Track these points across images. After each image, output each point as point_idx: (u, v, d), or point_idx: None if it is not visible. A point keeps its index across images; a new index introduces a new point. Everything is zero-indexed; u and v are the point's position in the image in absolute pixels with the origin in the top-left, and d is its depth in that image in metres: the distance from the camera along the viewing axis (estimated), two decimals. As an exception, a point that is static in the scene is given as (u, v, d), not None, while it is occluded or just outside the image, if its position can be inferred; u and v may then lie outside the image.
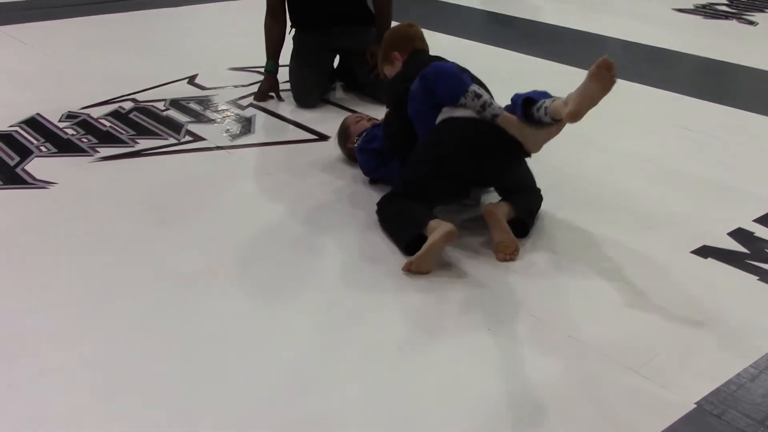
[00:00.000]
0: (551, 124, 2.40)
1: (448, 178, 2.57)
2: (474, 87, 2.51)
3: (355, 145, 3.04)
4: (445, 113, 2.57)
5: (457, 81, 2.52)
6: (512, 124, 2.46)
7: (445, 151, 2.55)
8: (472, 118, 2.51)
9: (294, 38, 3.98)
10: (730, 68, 4.79)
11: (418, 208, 2.52)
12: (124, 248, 2.51)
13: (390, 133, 2.85)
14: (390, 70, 3.01)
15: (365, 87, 3.94)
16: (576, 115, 2.24)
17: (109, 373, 1.91)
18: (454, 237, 2.37)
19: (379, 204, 2.66)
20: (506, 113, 2.48)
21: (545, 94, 2.44)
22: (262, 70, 3.96)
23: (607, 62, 2.15)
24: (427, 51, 3.01)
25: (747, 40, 5.52)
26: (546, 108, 2.36)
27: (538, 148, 2.51)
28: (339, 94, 4.02)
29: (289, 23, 3.93)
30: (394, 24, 3.10)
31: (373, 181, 2.98)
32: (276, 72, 3.92)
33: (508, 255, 2.46)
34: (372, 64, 3.71)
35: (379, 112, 3.28)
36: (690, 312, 2.20)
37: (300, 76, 3.88)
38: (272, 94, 3.91)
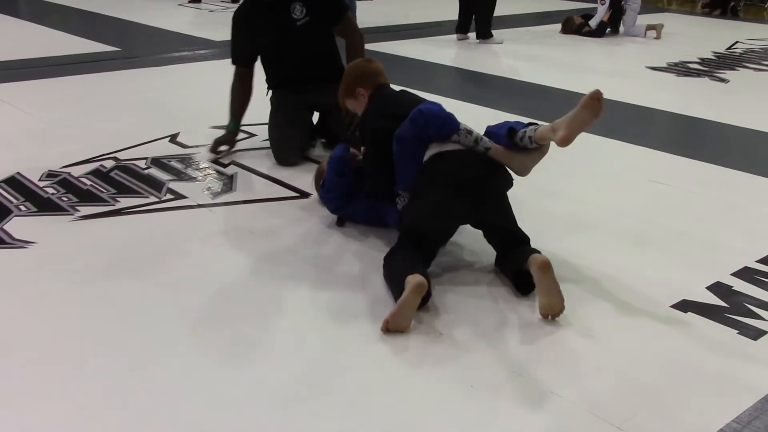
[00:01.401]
0: (537, 149, 2.64)
1: (444, 214, 2.64)
2: (464, 124, 2.66)
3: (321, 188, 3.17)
4: (434, 149, 2.68)
5: (448, 121, 2.68)
6: (502, 154, 2.65)
7: (439, 183, 2.64)
8: (459, 149, 2.65)
9: (271, 99, 4.04)
10: (703, 124, 4.88)
11: (406, 261, 2.53)
12: (104, 307, 2.48)
13: (372, 173, 2.94)
14: (354, 105, 3.08)
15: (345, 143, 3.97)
16: (568, 140, 2.49)
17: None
18: (423, 289, 2.35)
19: (384, 260, 2.67)
20: (495, 145, 2.66)
21: (521, 124, 2.70)
22: (240, 127, 4.02)
23: (598, 93, 2.44)
24: (389, 85, 3.08)
25: (719, 97, 5.65)
26: (530, 136, 2.59)
27: (527, 172, 2.72)
28: (319, 150, 4.05)
29: (257, 84, 4.00)
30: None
31: (341, 221, 3.10)
32: (236, 133, 3.99)
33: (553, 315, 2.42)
34: (349, 119, 3.76)
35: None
36: (671, 367, 2.21)
37: (280, 134, 3.92)
38: (225, 148, 3.96)
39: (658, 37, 7.90)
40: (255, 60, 3.95)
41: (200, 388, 2.07)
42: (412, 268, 2.45)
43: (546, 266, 2.40)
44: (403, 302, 2.33)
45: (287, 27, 3.80)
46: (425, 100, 2.91)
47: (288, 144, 3.89)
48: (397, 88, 3.08)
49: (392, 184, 2.82)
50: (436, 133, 2.66)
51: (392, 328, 2.33)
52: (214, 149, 3.95)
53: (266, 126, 4.02)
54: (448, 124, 2.66)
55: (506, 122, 2.76)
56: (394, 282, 2.50)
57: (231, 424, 1.93)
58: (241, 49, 3.92)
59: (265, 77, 4.01)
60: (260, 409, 1.99)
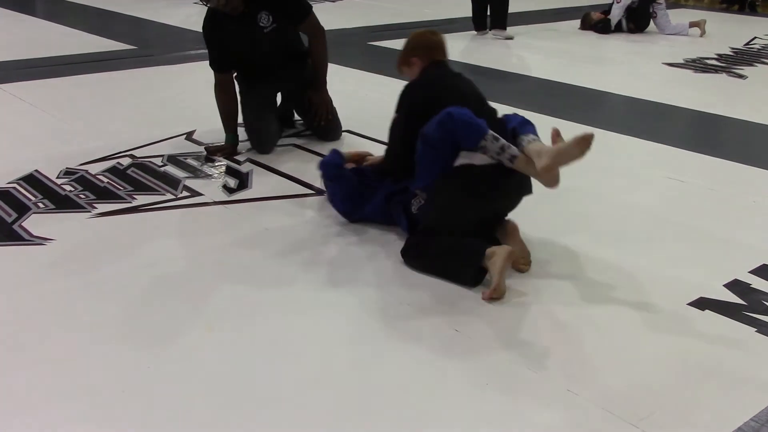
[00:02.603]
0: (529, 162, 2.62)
1: (467, 223, 2.70)
2: (491, 131, 2.60)
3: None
4: (464, 158, 2.64)
5: (476, 127, 2.61)
6: (528, 165, 2.59)
7: (472, 200, 2.68)
8: (491, 165, 2.62)
9: (237, 78, 4.08)
10: (721, 121, 4.85)
11: (459, 242, 2.64)
12: (120, 303, 2.50)
13: (394, 146, 2.94)
14: (407, 72, 3.06)
15: (315, 130, 4.19)
16: (549, 170, 2.51)
17: (104, 428, 1.90)
18: (513, 256, 2.55)
19: (413, 249, 2.72)
20: (521, 155, 2.61)
21: (527, 127, 2.71)
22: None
23: (591, 137, 2.46)
24: (446, 63, 3.06)
25: (737, 93, 5.60)
26: (513, 155, 2.59)
27: (555, 183, 2.60)
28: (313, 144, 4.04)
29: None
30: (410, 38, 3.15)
31: (354, 221, 3.09)
32: (237, 144, 3.98)
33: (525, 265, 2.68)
34: (315, 109, 4.00)
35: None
36: (689, 365, 2.19)
37: (259, 125, 3.99)
38: (224, 155, 3.93)
39: (702, 34, 7.78)
40: (233, 66, 4.01)
41: (214, 386, 2.08)
42: (475, 243, 2.59)
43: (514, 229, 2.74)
44: (501, 270, 2.47)
45: (256, 36, 3.87)
46: (478, 91, 2.92)
47: (267, 134, 4.01)
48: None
49: (411, 166, 2.77)
50: (463, 140, 2.61)
51: (497, 295, 2.49)
52: (213, 153, 3.93)
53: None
54: (475, 132, 2.60)
55: (517, 116, 2.79)
56: (458, 260, 2.60)
57: (245, 423, 1.94)
58: (218, 57, 3.95)
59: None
60: (274, 406, 2.00)
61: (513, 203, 2.82)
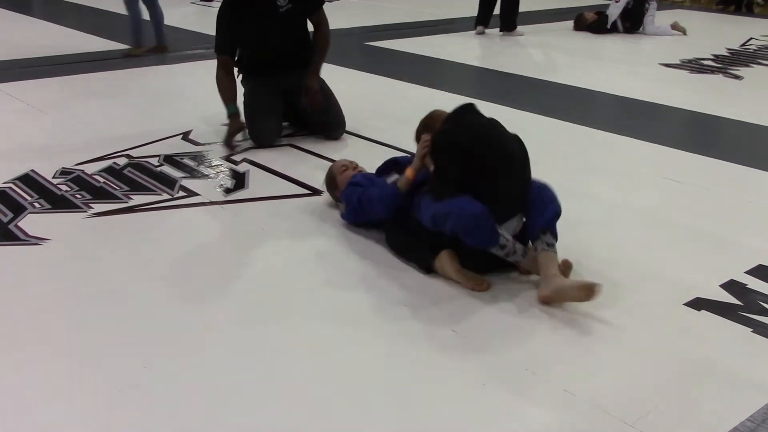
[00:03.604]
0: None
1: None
2: (501, 238, 2.52)
3: (341, 213, 3.11)
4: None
5: (483, 236, 2.50)
6: (532, 267, 2.59)
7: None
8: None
9: (243, 83, 4.21)
10: (717, 121, 4.85)
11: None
12: (116, 303, 2.50)
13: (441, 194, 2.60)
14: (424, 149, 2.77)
15: (313, 126, 4.23)
16: (547, 302, 2.47)
17: (101, 428, 1.89)
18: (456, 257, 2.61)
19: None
20: (525, 260, 2.59)
21: (551, 223, 2.60)
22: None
23: (598, 288, 2.39)
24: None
25: (733, 93, 5.61)
26: (521, 256, 2.57)
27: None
28: (309, 143, 4.05)
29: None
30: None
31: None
32: (239, 114, 4.05)
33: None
34: (307, 93, 4.04)
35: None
36: (685, 365, 2.20)
37: (259, 119, 4.10)
38: (239, 137, 4.04)
39: (683, 33, 7.83)
40: (234, 46, 4.11)
41: (212, 386, 2.08)
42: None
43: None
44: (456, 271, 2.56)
45: (270, 14, 3.99)
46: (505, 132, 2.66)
47: (267, 128, 4.08)
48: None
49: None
50: (474, 242, 2.51)
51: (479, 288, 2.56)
52: (229, 142, 3.99)
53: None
54: (486, 237, 2.50)
55: (551, 207, 2.63)
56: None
57: (243, 423, 1.94)
58: (226, 39, 4.08)
59: (239, 62, 4.18)
60: (272, 406, 2.00)
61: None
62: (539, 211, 2.61)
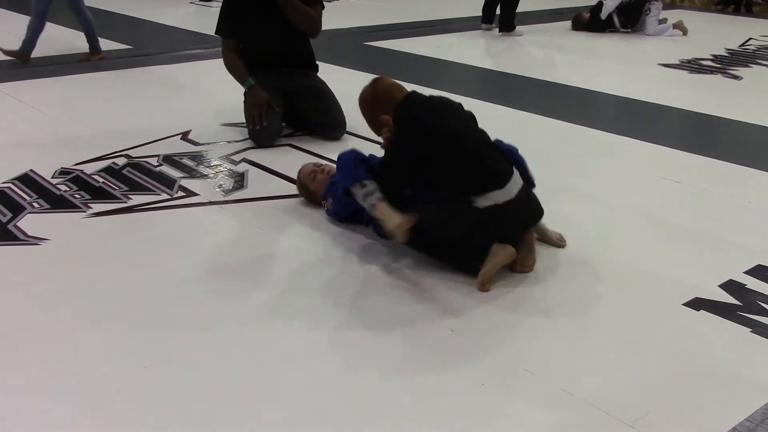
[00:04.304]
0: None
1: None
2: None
3: (326, 209, 3.13)
4: (488, 200, 2.61)
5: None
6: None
7: (485, 234, 2.64)
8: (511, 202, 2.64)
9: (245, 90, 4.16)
10: (716, 122, 4.85)
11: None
12: (115, 303, 2.50)
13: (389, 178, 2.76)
14: (388, 134, 2.83)
15: (313, 127, 4.23)
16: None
17: (101, 427, 1.89)
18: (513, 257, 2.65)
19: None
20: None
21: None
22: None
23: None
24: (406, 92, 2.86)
25: (732, 94, 5.61)
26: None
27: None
28: (308, 143, 4.05)
29: None
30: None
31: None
32: (259, 85, 4.05)
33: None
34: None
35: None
36: (684, 365, 2.20)
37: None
38: (258, 106, 4.02)
39: (686, 32, 7.83)
40: (239, 32, 4.13)
41: (211, 387, 2.08)
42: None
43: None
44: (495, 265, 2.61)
45: (271, 5, 3.99)
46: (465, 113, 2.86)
47: (267, 128, 4.05)
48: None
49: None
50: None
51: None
52: (258, 112, 3.99)
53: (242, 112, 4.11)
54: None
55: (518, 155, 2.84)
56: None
57: (242, 423, 1.94)
58: (228, 21, 4.12)
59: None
60: (270, 407, 2.00)
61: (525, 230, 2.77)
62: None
